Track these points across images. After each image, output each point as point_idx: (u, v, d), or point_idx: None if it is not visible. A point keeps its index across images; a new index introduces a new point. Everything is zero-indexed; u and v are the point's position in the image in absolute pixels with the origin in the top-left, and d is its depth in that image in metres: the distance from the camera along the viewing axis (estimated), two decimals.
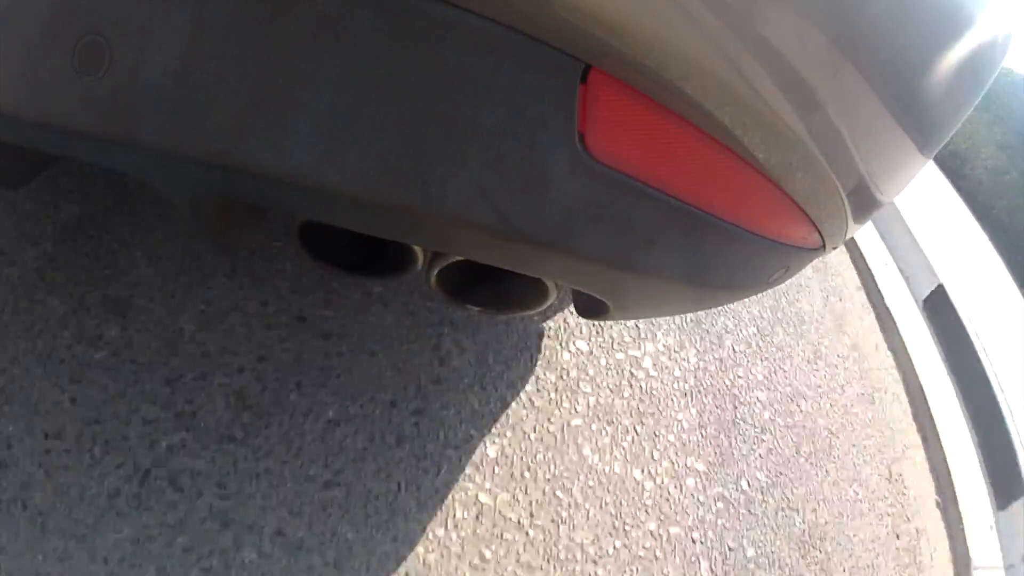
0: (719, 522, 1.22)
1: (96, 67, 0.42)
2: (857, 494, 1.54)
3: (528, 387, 1.16)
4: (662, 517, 1.15)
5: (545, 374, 1.19)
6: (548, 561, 0.99)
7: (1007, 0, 0.64)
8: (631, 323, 1.40)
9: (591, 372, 1.26)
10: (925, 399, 2.00)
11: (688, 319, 1.53)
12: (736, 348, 1.59)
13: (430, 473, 0.98)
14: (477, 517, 0.98)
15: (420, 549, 0.91)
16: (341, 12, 0.41)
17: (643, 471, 1.19)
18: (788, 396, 1.60)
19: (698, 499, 1.22)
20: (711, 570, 1.15)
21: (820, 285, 2.10)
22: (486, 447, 1.04)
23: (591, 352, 1.29)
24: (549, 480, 1.07)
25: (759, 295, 1.72)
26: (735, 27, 0.43)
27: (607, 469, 1.14)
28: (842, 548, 1.39)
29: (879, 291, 2.35)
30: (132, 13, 0.41)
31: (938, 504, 1.77)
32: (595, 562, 1.03)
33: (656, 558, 1.10)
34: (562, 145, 0.44)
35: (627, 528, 1.10)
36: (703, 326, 1.55)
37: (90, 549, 0.74)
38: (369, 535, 0.89)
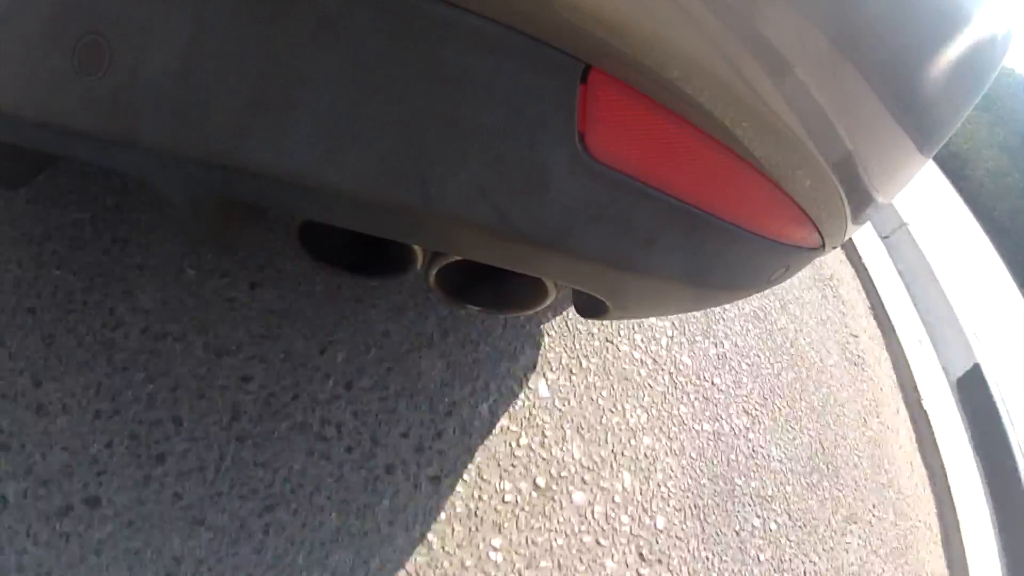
0: None
1: (96, 67, 0.42)
2: None
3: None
4: None
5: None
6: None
7: None
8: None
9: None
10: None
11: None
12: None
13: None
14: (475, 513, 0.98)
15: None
16: (341, 12, 0.41)
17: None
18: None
19: None
20: None
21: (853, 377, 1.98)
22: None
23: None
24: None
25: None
26: (735, 27, 0.43)
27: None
28: None
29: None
30: (132, 13, 0.41)
31: None
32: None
33: None
34: (562, 145, 0.44)
35: None
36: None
37: None
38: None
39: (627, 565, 1.07)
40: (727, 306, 1.72)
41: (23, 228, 0.93)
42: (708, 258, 0.58)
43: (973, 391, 2.31)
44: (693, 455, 1.32)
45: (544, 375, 1.20)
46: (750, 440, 1.46)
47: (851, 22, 0.47)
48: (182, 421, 0.86)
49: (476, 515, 0.98)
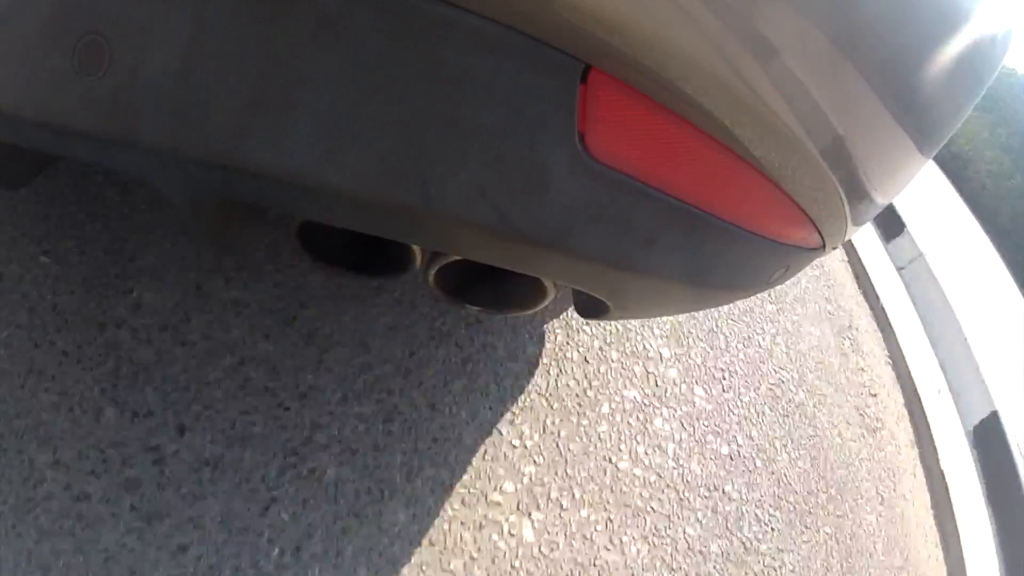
0: None
1: (96, 67, 0.42)
2: None
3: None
4: None
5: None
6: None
7: None
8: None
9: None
10: None
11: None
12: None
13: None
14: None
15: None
16: (341, 12, 0.41)
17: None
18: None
19: None
20: None
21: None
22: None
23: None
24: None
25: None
26: (735, 27, 0.43)
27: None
28: None
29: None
30: (132, 13, 0.41)
31: None
32: None
33: None
34: (562, 145, 0.44)
35: None
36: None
37: None
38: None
39: None
40: (743, 391, 1.58)
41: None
42: (708, 258, 0.58)
43: (989, 439, 2.23)
44: None
45: (529, 515, 1.04)
46: (762, 554, 1.33)
47: (851, 22, 0.47)
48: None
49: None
